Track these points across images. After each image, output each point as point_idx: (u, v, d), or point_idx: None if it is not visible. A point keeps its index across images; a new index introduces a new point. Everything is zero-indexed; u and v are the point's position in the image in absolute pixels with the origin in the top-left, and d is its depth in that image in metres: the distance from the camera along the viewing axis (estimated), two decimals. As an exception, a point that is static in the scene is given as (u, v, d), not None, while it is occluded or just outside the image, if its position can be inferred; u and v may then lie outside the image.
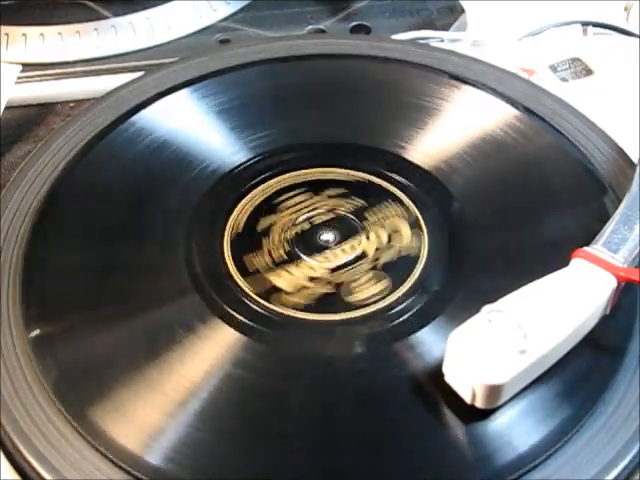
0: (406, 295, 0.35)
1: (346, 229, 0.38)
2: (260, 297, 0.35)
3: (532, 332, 0.29)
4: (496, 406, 0.30)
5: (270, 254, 0.37)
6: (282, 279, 0.36)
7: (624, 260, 0.33)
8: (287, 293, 0.36)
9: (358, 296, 0.35)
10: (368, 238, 0.38)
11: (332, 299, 0.35)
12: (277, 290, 0.36)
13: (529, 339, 0.29)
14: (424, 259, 0.37)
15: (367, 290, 0.36)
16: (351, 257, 0.37)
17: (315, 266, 0.37)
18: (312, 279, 0.36)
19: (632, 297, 0.34)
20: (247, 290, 0.35)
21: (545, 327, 0.30)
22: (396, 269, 0.37)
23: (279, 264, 0.37)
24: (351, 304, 0.35)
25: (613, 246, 0.33)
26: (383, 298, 0.35)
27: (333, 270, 0.37)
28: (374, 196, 0.40)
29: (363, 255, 0.37)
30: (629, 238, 0.33)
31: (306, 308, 0.35)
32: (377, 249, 0.37)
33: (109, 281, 0.36)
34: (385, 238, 0.38)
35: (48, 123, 0.49)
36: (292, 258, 0.37)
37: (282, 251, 0.37)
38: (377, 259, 0.37)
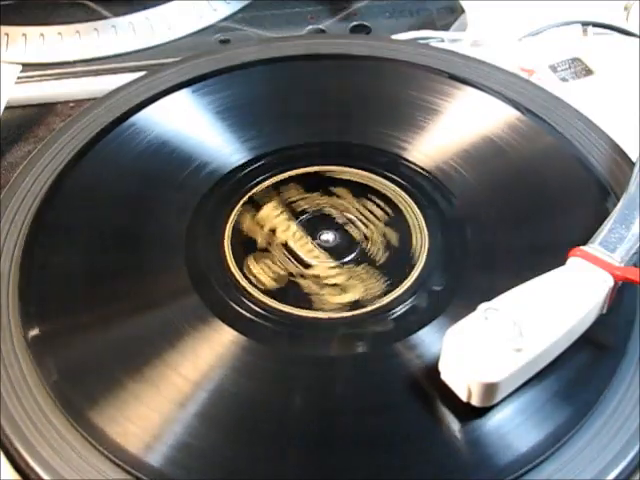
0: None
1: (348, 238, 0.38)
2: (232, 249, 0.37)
3: (528, 330, 0.29)
4: (492, 404, 0.30)
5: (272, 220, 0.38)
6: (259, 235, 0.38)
7: (621, 259, 0.33)
8: (258, 249, 0.37)
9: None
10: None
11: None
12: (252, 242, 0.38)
13: (525, 337, 0.29)
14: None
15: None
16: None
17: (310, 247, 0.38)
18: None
19: (632, 297, 0.34)
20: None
21: (541, 325, 0.30)
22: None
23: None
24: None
25: (610, 245, 0.33)
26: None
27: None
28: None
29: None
30: (626, 237, 0.33)
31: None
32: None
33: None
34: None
35: (48, 123, 0.49)
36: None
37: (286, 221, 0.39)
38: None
